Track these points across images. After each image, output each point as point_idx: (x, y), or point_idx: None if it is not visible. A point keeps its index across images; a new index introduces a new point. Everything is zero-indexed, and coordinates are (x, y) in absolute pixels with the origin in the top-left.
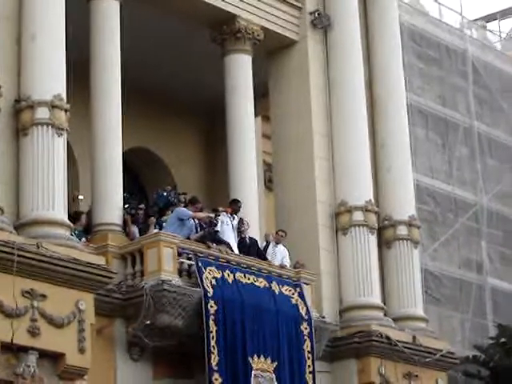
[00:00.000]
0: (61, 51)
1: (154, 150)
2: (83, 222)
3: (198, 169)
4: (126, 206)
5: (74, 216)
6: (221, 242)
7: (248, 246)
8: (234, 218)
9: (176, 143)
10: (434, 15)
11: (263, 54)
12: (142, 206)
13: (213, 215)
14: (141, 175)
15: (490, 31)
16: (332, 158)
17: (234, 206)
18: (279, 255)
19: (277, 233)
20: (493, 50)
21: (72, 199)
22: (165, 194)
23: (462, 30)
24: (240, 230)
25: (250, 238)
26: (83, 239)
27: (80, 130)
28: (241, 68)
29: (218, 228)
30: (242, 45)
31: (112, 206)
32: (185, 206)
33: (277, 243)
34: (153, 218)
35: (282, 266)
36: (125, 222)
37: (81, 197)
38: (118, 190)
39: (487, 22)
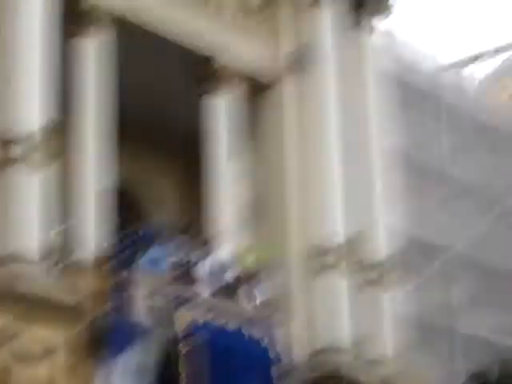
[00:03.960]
0: (37, 87)
1: (130, 188)
2: (52, 260)
3: (175, 207)
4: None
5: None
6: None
7: (225, 287)
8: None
9: (153, 179)
10: (409, 60)
11: (241, 96)
12: (122, 243)
13: (189, 257)
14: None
15: (465, 77)
16: (307, 201)
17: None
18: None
19: (249, 275)
20: (467, 95)
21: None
22: (141, 232)
23: (436, 75)
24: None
25: (228, 278)
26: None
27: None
28: (218, 109)
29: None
30: (219, 86)
31: (86, 243)
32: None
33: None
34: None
35: (256, 306)
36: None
37: (56, 231)
38: (92, 227)
39: (462, 67)
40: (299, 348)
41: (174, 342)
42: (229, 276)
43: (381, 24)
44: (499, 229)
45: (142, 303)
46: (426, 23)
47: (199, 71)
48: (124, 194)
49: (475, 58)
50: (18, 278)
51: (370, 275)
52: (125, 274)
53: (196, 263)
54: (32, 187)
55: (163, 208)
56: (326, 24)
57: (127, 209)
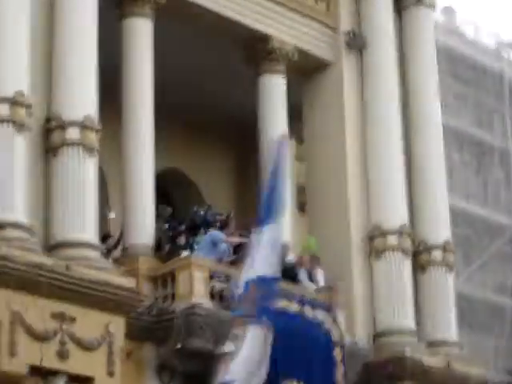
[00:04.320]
0: (92, 70)
1: (186, 172)
2: (109, 245)
3: (230, 191)
4: (164, 226)
5: (104, 237)
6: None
7: (285, 269)
8: None
9: (208, 165)
10: (471, 36)
11: (297, 75)
12: (182, 227)
13: (247, 240)
14: (172, 197)
15: None
16: (366, 181)
17: None
18: (314, 279)
19: (309, 259)
20: None
21: (104, 219)
22: (202, 212)
23: (498, 51)
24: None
25: (289, 261)
26: (109, 260)
27: (111, 150)
28: (275, 89)
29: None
30: (275, 65)
31: (143, 227)
32: (219, 228)
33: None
34: (182, 238)
35: (318, 288)
36: (160, 242)
37: (112, 215)
38: (149, 211)
39: None
40: (362, 330)
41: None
42: (290, 259)
43: (442, 0)
44: None
45: (201, 286)
46: None
47: (255, 50)
48: (179, 178)
49: None
50: (77, 262)
51: (433, 256)
52: (184, 257)
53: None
54: (88, 171)
55: (218, 193)
56: (387, 0)
57: (183, 194)
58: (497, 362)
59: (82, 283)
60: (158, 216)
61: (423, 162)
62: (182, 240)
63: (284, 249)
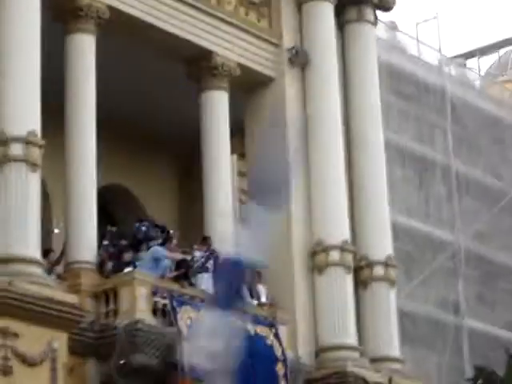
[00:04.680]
0: (36, 87)
1: (129, 187)
2: (51, 260)
3: (173, 206)
4: (105, 242)
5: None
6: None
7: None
8: (209, 258)
9: (151, 180)
10: (413, 52)
11: (240, 91)
12: (124, 242)
13: (189, 257)
14: (114, 213)
15: (469, 69)
16: (309, 196)
17: (207, 244)
18: (256, 295)
19: (252, 275)
20: (471, 88)
21: (47, 234)
22: (144, 228)
23: (440, 67)
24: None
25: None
26: (52, 276)
27: (54, 165)
28: (217, 105)
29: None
30: (218, 81)
31: (86, 243)
32: (161, 244)
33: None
34: (127, 254)
35: (260, 304)
36: (101, 258)
37: (56, 230)
38: (91, 226)
39: (466, 59)
40: (304, 346)
41: (179, 340)
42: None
43: (384, 16)
44: (505, 223)
45: (144, 302)
46: (429, 15)
47: (199, 66)
48: (122, 194)
49: (480, 51)
50: (20, 277)
51: (375, 271)
52: (127, 272)
53: (197, 261)
54: (31, 187)
55: (161, 208)
56: (329, 17)
57: (125, 209)
58: (439, 378)
59: (24, 299)
60: (103, 233)
61: (365, 177)
62: (127, 256)
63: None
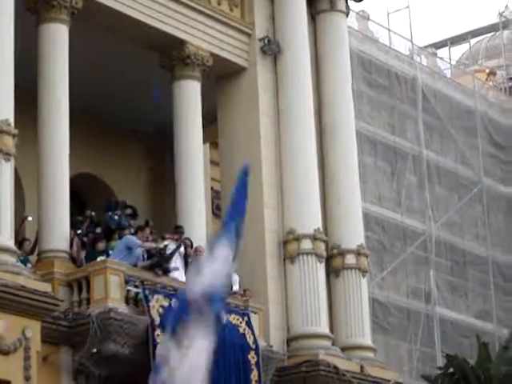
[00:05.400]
0: (9, 76)
1: (101, 176)
2: (27, 249)
3: (146, 195)
4: (78, 231)
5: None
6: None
7: None
8: (180, 245)
9: (123, 169)
10: (384, 42)
11: (212, 80)
12: (98, 230)
13: (161, 245)
14: (87, 201)
15: (440, 58)
16: (281, 185)
17: (179, 233)
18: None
19: None
20: (442, 77)
21: (21, 221)
22: (116, 217)
23: (411, 57)
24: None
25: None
26: (28, 265)
27: (27, 154)
28: (189, 94)
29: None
30: (190, 71)
31: (58, 231)
32: (134, 234)
33: None
34: (101, 243)
35: (232, 293)
36: (74, 247)
37: (30, 218)
38: (64, 215)
39: (437, 49)
40: (276, 334)
41: (151, 329)
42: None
43: (356, 6)
44: (476, 212)
45: (116, 291)
46: (401, 5)
47: (171, 56)
48: (94, 183)
49: (451, 40)
50: None
51: (347, 260)
52: (99, 261)
53: (169, 250)
54: (4, 175)
55: (134, 197)
56: (301, 7)
57: (97, 199)
58: (411, 367)
59: None
60: (75, 221)
61: (337, 167)
62: (100, 245)
63: (199, 252)
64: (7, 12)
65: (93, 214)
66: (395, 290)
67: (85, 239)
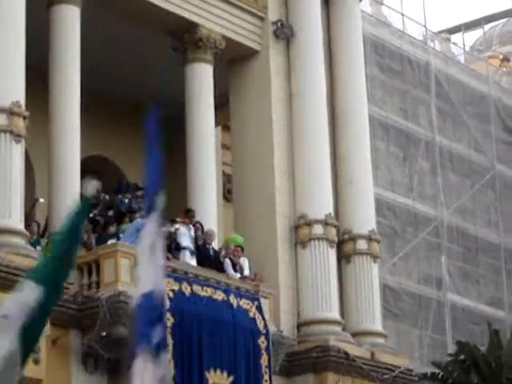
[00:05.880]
0: (20, 58)
1: (112, 158)
2: (34, 231)
3: None
4: (90, 214)
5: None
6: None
7: (210, 258)
8: (190, 228)
9: (134, 152)
10: (398, 27)
11: (225, 64)
12: (111, 213)
13: (172, 229)
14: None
15: (454, 44)
16: (292, 170)
17: (189, 216)
18: (239, 268)
19: (233, 249)
20: (456, 63)
21: (33, 203)
22: (126, 200)
23: (425, 42)
24: (206, 241)
25: (214, 250)
26: (38, 248)
27: (38, 136)
28: (202, 77)
29: (179, 241)
30: (203, 54)
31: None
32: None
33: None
34: (112, 227)
35: (243, 277)
36: (85, 230)
37: (41, 200)
38: (74, 198)
39: (451, 34)
40: (287, 319)
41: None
42: (215, 247)
43: None
44: (488, 199)
45: (126, 274)
46: None
47: (183, 39)
48: (105, 165)
49: (465, 26)
50: (2, 248)
51: (358, 245)
52: (110, 244)
53: (180, 234)
54: (15, 157)
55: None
56: None
57: (109, 178)
58: (422, 353)
59: (7, 270)
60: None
61: (349, 151)
62: (111, 229)
63: (211, 236)
64: None
65: (106, 197)
66: (406, 275)
67: (96, 223)
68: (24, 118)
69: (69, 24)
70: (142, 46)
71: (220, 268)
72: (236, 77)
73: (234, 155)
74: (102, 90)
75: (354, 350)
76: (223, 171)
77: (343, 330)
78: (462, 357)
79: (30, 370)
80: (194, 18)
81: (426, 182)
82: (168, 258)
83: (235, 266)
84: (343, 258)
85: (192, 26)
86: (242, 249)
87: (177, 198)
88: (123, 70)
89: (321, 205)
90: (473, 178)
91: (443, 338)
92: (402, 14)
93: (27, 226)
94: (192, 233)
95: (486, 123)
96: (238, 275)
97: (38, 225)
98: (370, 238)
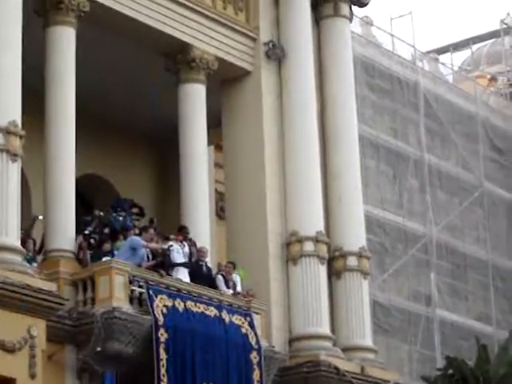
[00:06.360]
0: (17, 78)
1: (106, 177)
2: (30, 248)
3: (150, 196)
4: (86, 231)
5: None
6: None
7: (203, 274)
8: (184, 246)
9: (128, 170)
10: (387, 47)
11: (217, 84)
12: (106, 230)
13: (166, 246)
14: (92, 202)
15: (442, 64)
16: (284, 188)
17: (183, 233)
18: (231, 284)
19: (225, 265)
20: (444, 83)
21: (32, 221)
22: (121, 218)
23: (414, 62)
24: (199, 257)
25: (207, 267)
26: (34, 264)
27: (34, 155)
28: (194, 97)
29: (173, 258)
30: (196, 74)
31: (64, 231)
32: (138, 234)
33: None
34: (107, 244)
35: (235, 293)
36: (80, 247)
37: (41, 217)
38: (70, 216)
39: (439, 54)
40: (278, 335)
41: (155, 327)
42: (208, 264)
43: (360, 12)
44: (476, 216)
45: (121, 291)
46: (404, 11)
47: (176, 59)
48: (100, 184)
49: (453, 46)
50: None
51: (348, 262)
52: (104, 261)
53: (174, 251)
54: (12, 175)
55: (139, 198)
56: (306, 12)
57: (103, 199)
58: (411, 368)
59: (3, 286)
60: (84, 221)
61: (339, 170)
62: (106, 246)
63: (202, 253)
64: (15, 14)
65: (101, 213)
66: (396, 292)
67: (91, 240)
68: (20, 137)
69: (64, 45)
70: (136, 66)
71: (213, 284)
72: (228, 97)
73: (227, 174)
74: (97, 110)
75: (344, 365)
76: (216, 189)
77: (334, 345)
78: (451, 371)
79: None
80: (187, 39)
81: (415, 199)
82: (161, 275)
83: (228, 283)
84: (334, 275)
85: (185, 47)
86: (234, 265)
87: (171, 215)
88: (117, 90)
89: (312, 222)
90: (461, 196)
91: (432, 353)
92: (392, 35)
93: (23, 243)
94: (186, 249)
95: (474, 142)
96: (231, 291)
97: (34, 242)
98: (360, 255)
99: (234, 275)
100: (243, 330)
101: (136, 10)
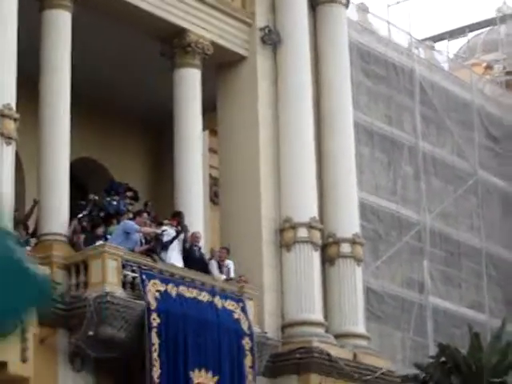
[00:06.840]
0: (12, 61)
1: (101, 161)
2: (23, 233)
3: (145, 180)
4: (80, 215)
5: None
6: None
7: (196, 260)
8: (179, 233)
9: (123, 154)
10: (383, 34)
11: (212, 69)
12: (102, 214)
13: (159, 231)
14: (87, 185)
15: (438, 51)
16: (278, 174)
17: (178, 219)
18: (224, 270)
19: (219, 250)
20: (440, 70)
21: (34, 202)
22: (114, 202)
23: (410, 49)
24: (193, 243)
25: (200, 251)
26: (27, 248)
27: (28, 138)
28: (190, 82)
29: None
30: (191, 59)
31: (57, 215)
32: (132, 218)
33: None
34: (100, 228)
35: (228, 279)
36: (75, 231)
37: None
38: (64, 199)
39: (435, 42)
40: (271, 321)
41: (147, 312)
42: (200, 249)
43: None
44: (470, 204)
45: (113, 275)
46: None
47: (172, 44)
48: (94, 168)
49: (449, 34)
50: None
51: (342, 248)
52: (97, 245)
53: (167, 236)
54: (6, 158)
55: (133, 182)
56: None
57: (97, 183)
58: (404, 355)
59: None
60: (79, 205)
61: (334, 156)
62: (99, 230)
63: (196, 238)
64: None
65: (96, 197)
66: (389, 279)
67: (84, 224)
68: (15, 120)
69: (60, 28)
70: (131, 50)
71: (206, 269)
72: (224, 82)
73: (221, 159)
74: (92, 93)
75: (336, 352)
76: (210, 174)
77: (326, 331)
78: (444, 359)
79: (18, 369)
80: (183, 24)
81: (409, 186)
82: (154, 260)
83: (221, 268)
84: (327, 261)
85: (181, 32)
86: (228, 251)
87: (164, 200)
88: (112, 74)
89: (305, 208)
90: (455, 184)
91: (425, 340)
92: (388, 22)
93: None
94: (181, 235)
95: (469, 130)
96: (224, 277)
97: (27, 226)
98: (353, 242)
99: (227, 261)
100: (236, 316)
101: None
